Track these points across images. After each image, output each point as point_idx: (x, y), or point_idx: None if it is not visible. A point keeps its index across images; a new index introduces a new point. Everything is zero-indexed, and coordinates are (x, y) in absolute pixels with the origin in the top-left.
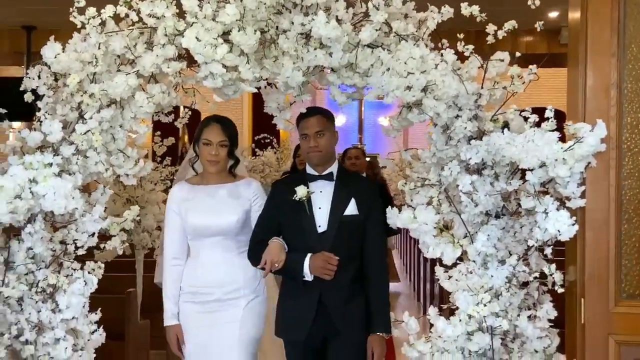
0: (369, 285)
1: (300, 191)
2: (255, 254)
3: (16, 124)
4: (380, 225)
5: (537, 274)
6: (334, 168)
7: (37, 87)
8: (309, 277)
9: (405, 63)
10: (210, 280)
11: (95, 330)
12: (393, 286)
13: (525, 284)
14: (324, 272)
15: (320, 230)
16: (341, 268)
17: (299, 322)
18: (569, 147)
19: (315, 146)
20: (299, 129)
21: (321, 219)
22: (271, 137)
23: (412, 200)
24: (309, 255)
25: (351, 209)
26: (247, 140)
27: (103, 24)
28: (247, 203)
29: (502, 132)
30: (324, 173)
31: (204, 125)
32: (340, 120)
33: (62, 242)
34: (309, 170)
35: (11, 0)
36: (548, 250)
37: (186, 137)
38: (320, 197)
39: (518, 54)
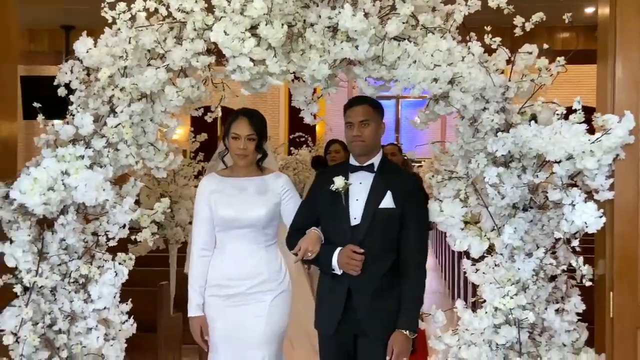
0: (401, 281)
1: (338, 182)
2: (292, 241)
3: (57, 122)
4: (418, 220)
5: (565, 267)
6: (376, 160)
7: (70, 81)
8: (337, 271)
9: (432, 55)
10: (235, 273)
11: (126, 321)
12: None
13: (553, 278)
14: (350, 267)
15: (354, 222)
16: (372, 262)
17: (329, 316)
18: (597, 139)
19: (359, 135)
20: (344, 117)
21: (356, 211)
22: (306, 136)
23: (439, 193)
24: (338, 249)
25: (387, 201)
26: (283, 138)
27: (133, 18)
28: (276, 197)
29: (529, 124)
30: (365, 164)
31: (233, 119)
32: None
33: (94, 234)
34: (352, 160)
35: (52, 0)
36: (575, 243)
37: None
38: (359, 189)
39: (546, 46)
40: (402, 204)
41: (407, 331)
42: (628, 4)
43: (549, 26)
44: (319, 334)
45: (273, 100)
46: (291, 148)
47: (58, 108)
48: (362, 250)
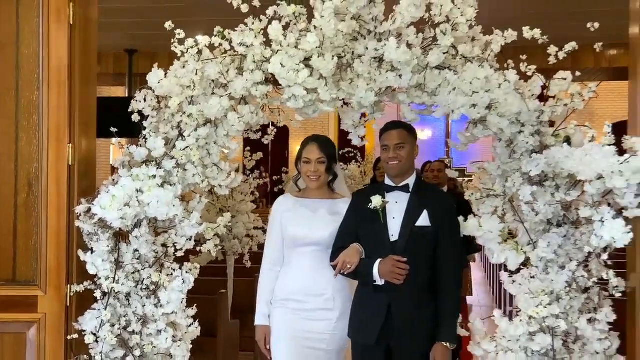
0: (438, 296)
1: (375, 200)
2: (333, 260)
3: (123, 140)
4: (453, 237)
5: (597, 280)
6: (411, 180)
7: (143, 108)
8: (379, 281)
9: (470, 83)
10: (300, 288)
11: (192, 324)
12: (469, 299)
13: (587, 289)
14: (393, 276)
15: (392, 239)
16: (411, 278)
17: (368, 326)
18: (625, 160)
19: (395, 157)
20: (380, 141)
21: (394, 229)
22: (355, 152)
23: (478, 210)
24: (379, 260)
25: (423, 220)
26: None
27: (199, 52)
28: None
29: (563, 146)
30: (400, 184)
31: (304, 145)
32: (426, 134)
33: (164, 245)
34: (387, 181)
35: (118, 26)
36: (604, 257)
37: None
38: (396, 208)
39: (578, 74)
40: (438, 222)
41: (448, 343)
42: None
43: (595, 43)
44: (355, 344)
45: (322, 119)
46: (341, 164)
47: (124, 128)
48: (405, 259)
